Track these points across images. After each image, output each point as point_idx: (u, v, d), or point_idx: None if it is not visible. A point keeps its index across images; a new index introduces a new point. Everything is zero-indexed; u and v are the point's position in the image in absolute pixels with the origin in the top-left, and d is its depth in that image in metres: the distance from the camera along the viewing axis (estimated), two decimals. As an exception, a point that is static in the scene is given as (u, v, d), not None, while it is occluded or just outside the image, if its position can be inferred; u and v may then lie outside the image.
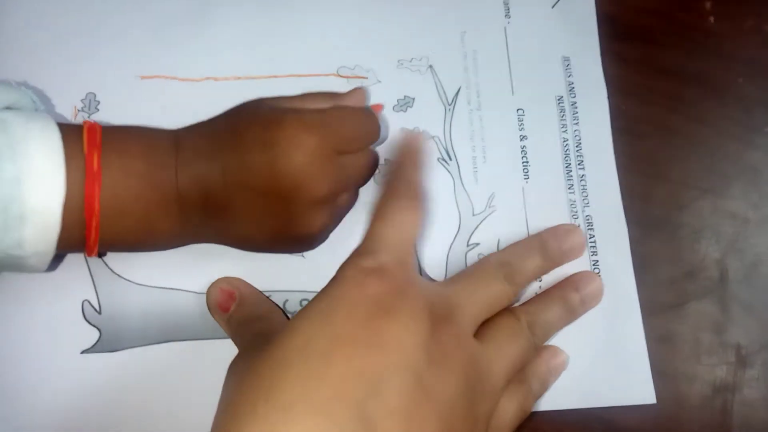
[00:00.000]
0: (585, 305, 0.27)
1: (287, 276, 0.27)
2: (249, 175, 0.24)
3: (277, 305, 0.27)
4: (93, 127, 0.24)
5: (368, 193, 0.29)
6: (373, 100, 0.30)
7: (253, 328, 0.24)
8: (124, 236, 0.24)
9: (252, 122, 0.25)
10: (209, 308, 0.26)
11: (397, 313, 0.20)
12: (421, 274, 0.28)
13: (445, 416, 0.19)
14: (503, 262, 0.25)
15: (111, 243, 0.24)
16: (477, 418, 0.21)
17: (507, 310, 0.25)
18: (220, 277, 0.26)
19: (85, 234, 0.23)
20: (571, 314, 0.27)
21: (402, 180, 0.24)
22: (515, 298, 0.26)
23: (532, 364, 0.26)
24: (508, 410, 0.24)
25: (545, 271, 0.27)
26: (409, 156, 0.25)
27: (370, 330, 0.19)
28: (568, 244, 0.28)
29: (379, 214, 0.23)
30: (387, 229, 0.22)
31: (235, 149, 0.24)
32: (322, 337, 0.19)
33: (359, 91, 0.29)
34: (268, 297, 0.27)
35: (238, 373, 0.22)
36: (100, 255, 0.26)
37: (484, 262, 0.26)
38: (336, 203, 0.26)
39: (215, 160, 0.24)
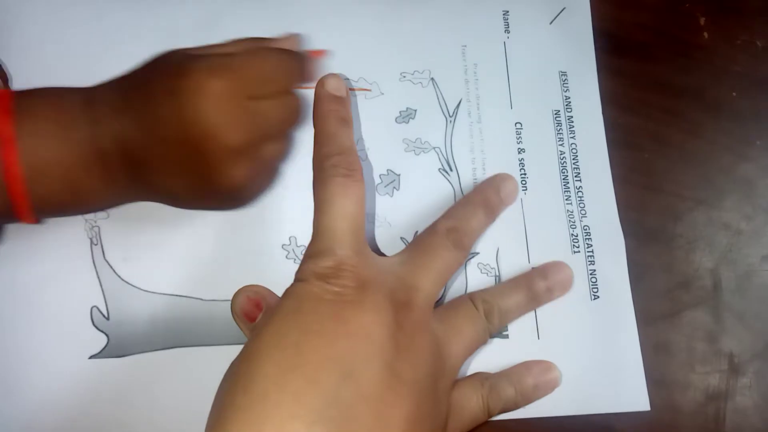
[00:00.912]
0: (551, 293, 0.28)
1: (291, 281, 0.28)
2: (161, 127, 0.23)
3: None
4: (3, 93, 0.23)
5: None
6: (377, 112, 0.31)
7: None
8: (54, 200, 0.24)
9: (161, 72, 0.24)
10: (234, 315, 0.25)
11: (362, 304, 0.21)
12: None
13: (414, 397, 0.20)
14: (450, 229, 0.26)
15: (43, 208, 0.24)
16: (439, 397, 0.23)
17: (466, 296, 0.26)
18: (245, 285, 0.25)
19: (11, 200, 0.23)
20: (535, 302, 0.27)
21: (332, 147, 0.24)
22: (464, 260, 0.27)
23: (518, 373, 0.26)
24: (471, 398, 0.25)
25: (488, 225, 0.28)
26: (330, 111, 0.25)
27: (339, 322, 0.20)
28: (505, 192, 0.29)
29: (318, 205, 0.23)
30: (332, 220, 0.23)
31: (146, 101, 0.23)
32: (294, 330, 0.20)
33: (291, 37, 0.28)
34: None
35: (230, 368, 0.22)
36: (38, 221, 0.26)
37: (432, 233, 0.26)
38: (259, 153, 0.25)
39: (128, 115, 0.23)
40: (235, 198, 0.26)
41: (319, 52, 0.28)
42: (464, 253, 0.26)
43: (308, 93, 0.27)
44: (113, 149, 0.24)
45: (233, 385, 0.19)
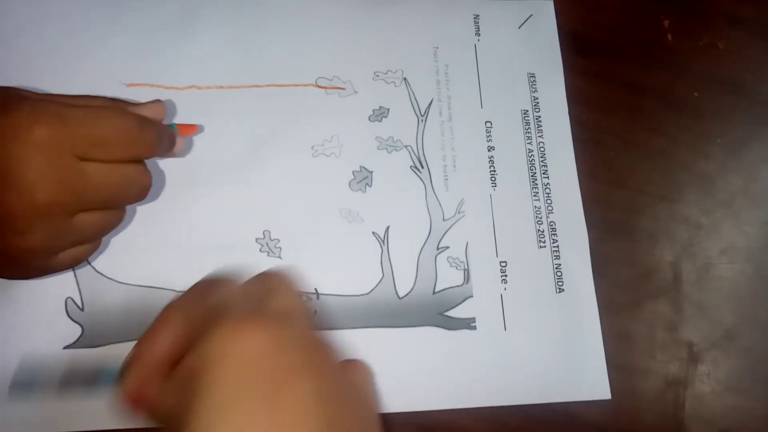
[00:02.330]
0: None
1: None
2: None
3: None
4: None
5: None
6: (350, 111, 0.31)
7: None
8: None
9: None
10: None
11: (291, 388, 0.16)
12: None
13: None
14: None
15: None
16: None
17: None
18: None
19: None
20: None
21: None
22: None
23: None
24: None
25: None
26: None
27: (271, 412, 0.16)
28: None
29: None
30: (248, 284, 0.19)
31: None
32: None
33: (155, 104, 0.25)
34: None
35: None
36: None
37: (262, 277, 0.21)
38: (71, 221, 0.22)
39: None
40: (23, 265, 0.22)
41: (189, 128, 0.27)
42: None
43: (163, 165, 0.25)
44: None
45: None
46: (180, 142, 0.26)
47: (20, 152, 0.20)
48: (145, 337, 0.19)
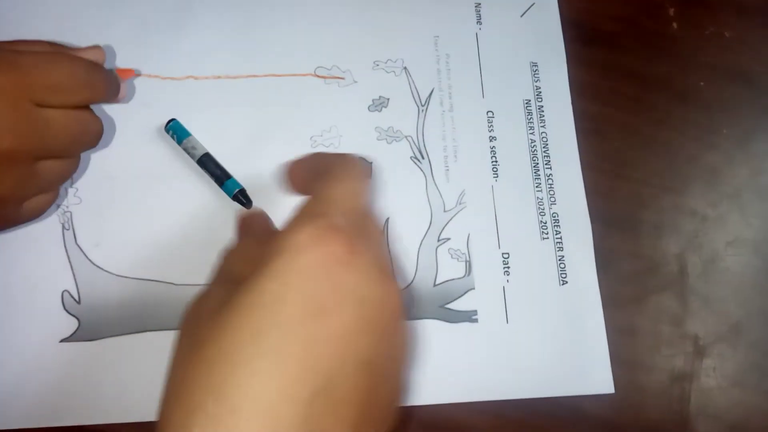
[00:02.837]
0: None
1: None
2: None
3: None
4: None
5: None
6: (350, 100, 0.31)
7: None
8: None
9: None
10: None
11: (342, 298, 0.18)
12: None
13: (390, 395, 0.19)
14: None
15: None
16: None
17: None
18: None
19: None
20: None
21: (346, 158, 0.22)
22: None
23: None
24: None
25: None
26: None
27: (323, 320, 0.18)
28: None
29: (323, 177, 0.20)
30: (334, 189, 0.20)
31: None
32: (274, 331, 0.17)
33: (95, 48, 0.25)
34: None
35: (188, 347, 0.19)
36: None
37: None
38: (35, 168, 0.22)
39: None
40: None
41: (128, 72, 0.26)
42: None
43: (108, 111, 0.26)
44: None
45: (204, 387, 0.17)
46: (124, 88, 0.26)
47: None
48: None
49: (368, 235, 0.21)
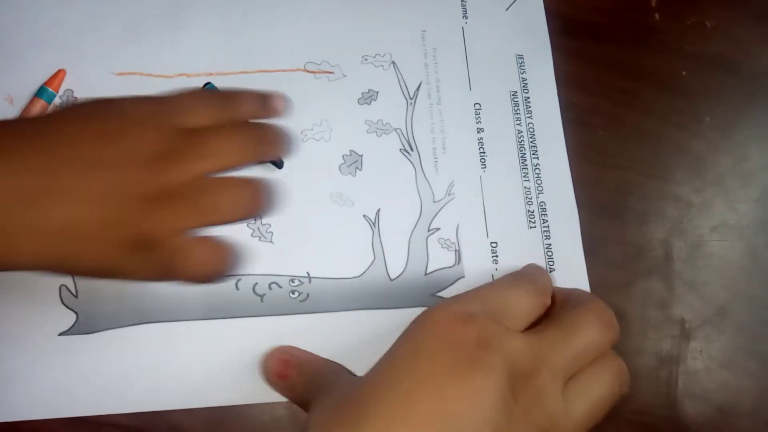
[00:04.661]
0: None
1: (256, 260, 0.29)
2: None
3: (336, 363, 0.26)
4: None
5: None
6: (339, 94, 0.31)
7: (322, 383, 0.24)
8: None
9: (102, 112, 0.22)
10: (267, 379, 0.26)
11: (480, 363, 0.20)
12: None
13: None
14: (601, 308, 0.24)
15: None
16: None
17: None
18: (272, 349, 0.26)
19: None
20: None
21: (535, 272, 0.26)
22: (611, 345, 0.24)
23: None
24: None
25: None
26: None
27: (454, 377, 0.19)
28: None
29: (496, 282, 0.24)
30: (489, 289, 0.24)
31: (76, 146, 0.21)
32: (407, 379, 0.19)
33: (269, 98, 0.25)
34: (324, 359, 0.27)
35: (323, 413, 0.21)
36: None
37: (579, 309, 0.24)
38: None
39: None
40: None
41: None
42: (613, 336, 0.24)
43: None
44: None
45: (343, 426, 0.19)
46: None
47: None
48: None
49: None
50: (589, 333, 0.23)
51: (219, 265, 0.22)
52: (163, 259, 0.21)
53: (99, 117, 0.22)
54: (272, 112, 0.24)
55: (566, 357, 0.22)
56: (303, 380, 0.25)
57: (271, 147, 0.24)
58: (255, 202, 0.23)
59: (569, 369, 0.22)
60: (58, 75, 0.30)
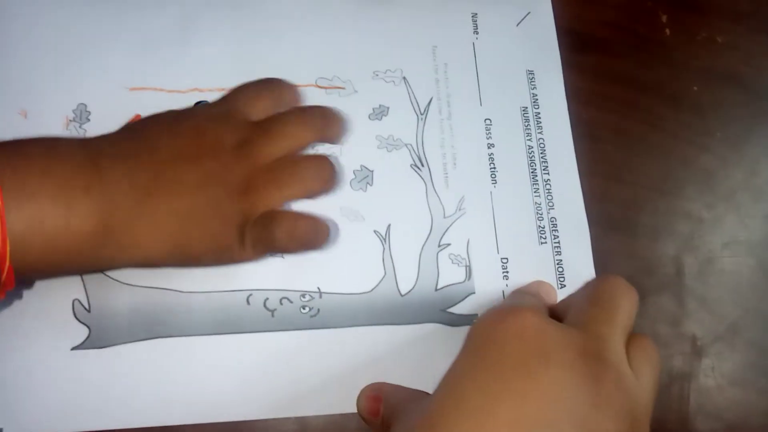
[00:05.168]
0: None
1: (266, 275, 0.29)
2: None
3: (417, 390, 0.26)
4: None
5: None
6: (350, 110, 0.31)
7: (399, 412, 0.24)
8: (39, 271, 0.25)
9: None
10: (363, 418, 0.25)
11: (548, 354, 0.19)
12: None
13: None
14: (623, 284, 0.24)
15: (25, 277, 0.25)
16: None
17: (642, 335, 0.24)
18: (364, 386, 0.26)
19: None
20: None
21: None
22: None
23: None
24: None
25: None
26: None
27: (525, 377, 0.19)
28: None
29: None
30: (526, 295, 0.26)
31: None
32: (475, 392, 0.18)
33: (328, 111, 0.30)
34: (410, 389, 0.26)
35: None
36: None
37: (605, 280, 0.25)
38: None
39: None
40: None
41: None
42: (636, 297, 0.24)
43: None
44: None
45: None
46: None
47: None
48: None
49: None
50: (624, 303, 0.24)
51: (316, 234, 0.26)
52: (266, 233, 0.25)
53: (176, 121, 0.26)
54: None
55: (618, 329, 0.22)
56: (388, 412, 0.25)
57: (332, 124, 0.29)
58: (330, 172, 0.28)
59: (623, 342, 0.22)
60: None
